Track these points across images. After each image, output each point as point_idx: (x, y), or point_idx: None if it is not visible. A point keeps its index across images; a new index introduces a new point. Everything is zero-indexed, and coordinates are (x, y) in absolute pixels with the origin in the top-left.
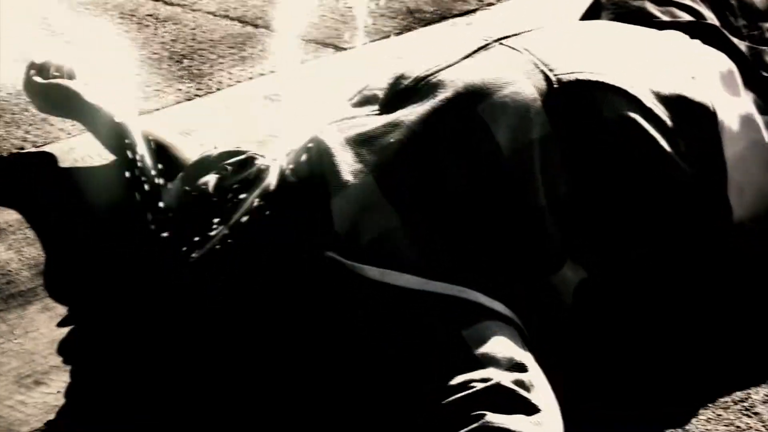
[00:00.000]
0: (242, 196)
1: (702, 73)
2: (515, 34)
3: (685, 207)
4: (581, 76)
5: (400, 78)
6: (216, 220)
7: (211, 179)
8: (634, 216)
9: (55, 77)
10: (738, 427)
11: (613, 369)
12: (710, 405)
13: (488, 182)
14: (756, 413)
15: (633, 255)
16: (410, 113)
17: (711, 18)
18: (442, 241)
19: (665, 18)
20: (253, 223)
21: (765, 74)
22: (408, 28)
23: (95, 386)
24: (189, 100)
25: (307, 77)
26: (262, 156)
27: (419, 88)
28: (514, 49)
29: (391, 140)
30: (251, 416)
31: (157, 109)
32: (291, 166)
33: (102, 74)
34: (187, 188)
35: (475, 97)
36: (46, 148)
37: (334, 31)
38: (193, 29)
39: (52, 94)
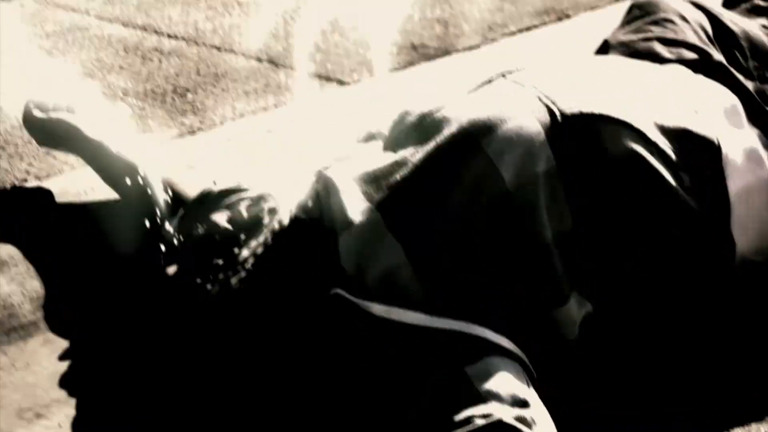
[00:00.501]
0: (256, 233)
1: (705, 107)
2: (519, 69)
3: (689, 241)
4: (585, 110)
5: (404, 114)
6: (230, 257)
7: (222, 216)
8: (638, 250)
9: (55, 112)
10: None
11: (616, 399)
12: None
13: (494, 217)
14: None
15: (638, 289)
16: (415, 151)
17: (719, 58)
18: (448, 277)
19: (672, 57)
20: (266, 260)
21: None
22: (412, 63)
23: (96, 420)
24: (192, 133)
25: (311, 112)
26: (270, 194)
27: (424, 124)
28: (517, 83)
29: (398, 178)
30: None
31: (161, 143)
32: (300, 204)
33: (105, 109)
34: (198, 224)
35: (480, 133)
36: (50, 181)
37: (338, 66)
38: (197, 63)
39: (52, 129)
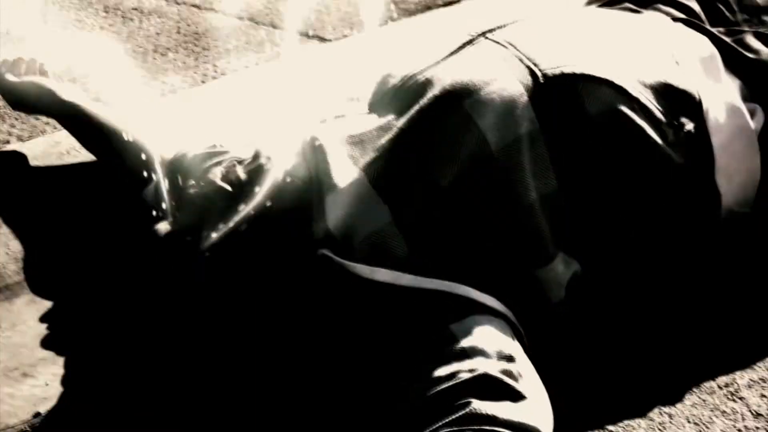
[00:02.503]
0: (248, 193)
1: (685, 58)
2: (500, 27)
3: (675, 195)
4: (566, 70)
5: (387, 77)
6: (222, 216)
7: (215, 174)
8: (624, 207)
9: (28, 74)
10: (723, 411)
11: (600, 354)
12: (695, 389)
13: (478, 178)
14: (741, 397)
15: (624, 245)
16: (399, 115)
17: (699, 13)
18: (433, 237)
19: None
20: (256, 221)
21: (749, 55)
22: (392, 19)
23: (83, 378)
24: (173, 93)
25: (292, 69)
26: (259, 153)
27: (407, 86)
28: (499, 43)
29: (383, 142)
30: (243, 410)
31: (142, 103)
32: (286, 165)
33: (87, 68)
34: (192, 182)
35: (463, 95)
36: (32, 142)
37: (319, 22)
38: (178, 22)
39: (25, 92)
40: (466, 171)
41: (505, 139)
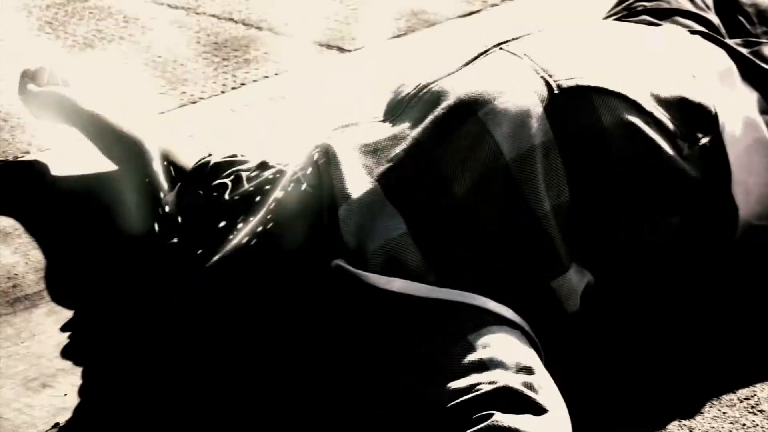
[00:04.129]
0: (258, 203)
1: (702, 71)
2: (515, 38)
3: (690, 208)
4: (581, 82)
5: (401, 86)
6: (230, 228)
7: (223, 186)
8: (638, 220)
9: (50, 84)
10: (743, 424)
11: (619, 367)
12: (715, 402)
13: (492, 188)
14: (761, 410)
15: (640, 258)
16: (414, 125)
17: (718, 26)
18: (448, 248)
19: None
20: (267, 231)
21: (766, 67)
22: (412, 29)
23: (102, 388)
24: (193, 103)
25: (312, 79)
26: (270, 163)
27: (421, 96)
28: (514, 54)
29: (397, 152)
30: (251, 417)
31: (162, 112)
32: (300, 173)
33: (105, 79)
34: (199, 195)
35: (477, 104)
36: (51, 153)
37: (338, 33)
38: (198, 32)
39: (47, 102)
40: (480, 181)
41: (520, 150)
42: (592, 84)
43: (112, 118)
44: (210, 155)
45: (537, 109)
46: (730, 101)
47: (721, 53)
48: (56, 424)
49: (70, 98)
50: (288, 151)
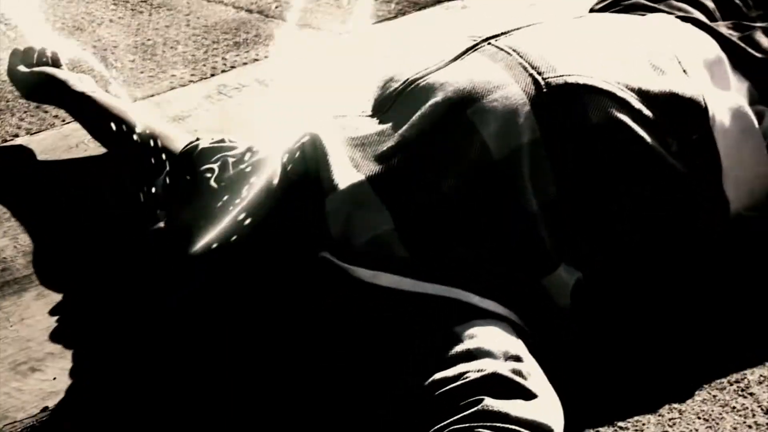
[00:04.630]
0: (243, 190)
1: (691, 63)
2: (504, 33)
3: (681, 204)
4: (570, 79)
5: (389, 81)
6: (217, 214)
7: (209, 171)
8: (627, 217)
9: (39, 64)
10: (733, 407)
11: (609, 351)
12: (705, 385)
13: (480, 186)
14: (751, 393)
15: (631, 255)
16: (401, 121)
17: (712, 10)
18: (435, 243)
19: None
20: (253, 219)
21: (757, 54)
22: (403, 12)
23: (91, 372)
24: (183, 86)
25: (302, 62)
26: (256, 149)
27: (409, 91)
28: (502, 50)
29: (385, 148)
30: (249, 417)
31: (151, 95)
32: (285, 161)
33: (95, 61)
34: (185, 179)
35: (465, 101)
36: (41, 135)
37: (329, 15)
38: (188, 15)
39: (37, 82)
40: (468, 179)
41: (507, 148)
42: (581, 82)
43: (103, 99)
44: (198, 139)
45: (525, 107)
46: (721, 93)
47: (711, 43)
48: (45, 408)
49: (61, 78)
50: (276, 136)
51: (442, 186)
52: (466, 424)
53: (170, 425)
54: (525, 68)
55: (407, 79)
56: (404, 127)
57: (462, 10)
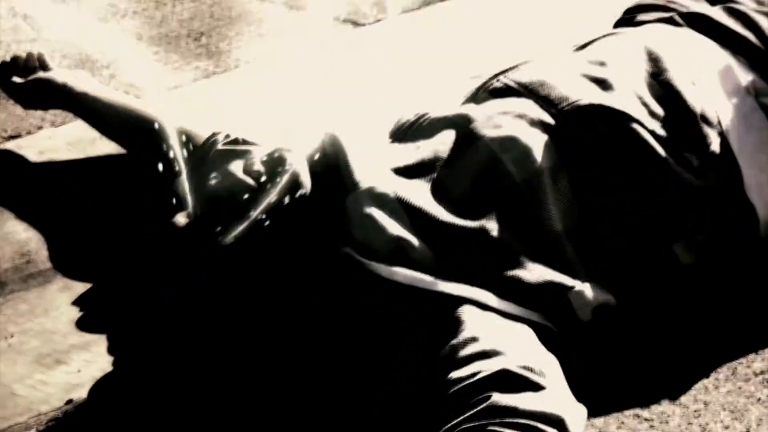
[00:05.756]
0: (270, 186)
1: (698, 74)
2: (511, 68)
3: (708, 219)
4: (581, 103)
5: (402, 116)
6: (243, 209)
7: (237, 167)
8: (653, 235)
9: (30, 71)
10: (759, 398)
11: (634, 342)
12: (731, 377)
13: (503, 207)
14: None
15: (658, 272)
16: (421, 144)
17: (699, 9)
18: (458, 252)
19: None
20: (278, 215)
21: (760, 45)
22: (428, 3)
23: (115, 364)
24: (207, 77)
25: (327, 54)
26: (281, 147)
27: (421, 123)
28: (511, 87)
29: (404, 164)
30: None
31: (175, 87)
32: (308, 159)
33: (119, 54)
34: (213, 174)
35: (484, 131)
36: (65, 127)
37: (353, 6)
38: (211, 6)
39: (35, 91)
40: (491, 200)
41: (526, 173)
42: (595, 102)
43: (107, 96)
44: (215, 136)
45: (542, 136)
46: (732, 100)
47: (713, 46)
48: (70, 401)
49: (59, 82)
50: (298, 130)
51: (464, 205)
52: (477, 422)
53: (172, 417)
54: (537, 102)
55: (418, 113)
56: (421, 150)
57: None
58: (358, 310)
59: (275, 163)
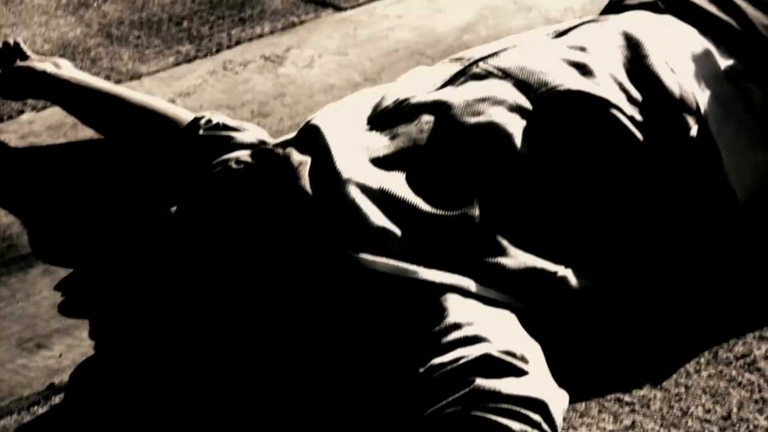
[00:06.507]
0: (250, 173)
1: (677, 61)
2: (492, 54)
3: (687, 203)
4: (561, 89)
5: (381, 101)
6: (239, 198)
7: (232, 159)
8: (633, 219)
9: (7, 60)
10: (740, 382)
11: (615, 326)
12: (712, 360)
13: (483, 192)
14: (758, 369)
15: (638, 259)
16: (396, 135)
17: None
18: (439, 239)
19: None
20: (270, 206)
21: (738, 27)
22: None
23: (97, 349)
24: (188, 61)
25: (307, 38)
26: (262, 135)
27: (400, 109)
28: (492, 72)
29: (383, 153)
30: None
31: (157, 71)
32: (291, 150)
33: (100, 39)
34: (214, 163)
35: (462, 117)
36: (47, 112)
37: None
38: None
39: (15, 81)
40: (472, 185)
41: (507, 159)
42: (573, 88)
43: (89, 83)
44: (197, 120)
45: (521, 122)
46: (711, 84)
47: (693, 32)
48: (51, 385)
49: (38, 69)
50: (279, 119)
51: (444, 190)
52: (459, 407)
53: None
54: (516, 86)
55: (398, 99)
56: (399, 138)
57: None
58: (357, 309)
59: (262, 155)
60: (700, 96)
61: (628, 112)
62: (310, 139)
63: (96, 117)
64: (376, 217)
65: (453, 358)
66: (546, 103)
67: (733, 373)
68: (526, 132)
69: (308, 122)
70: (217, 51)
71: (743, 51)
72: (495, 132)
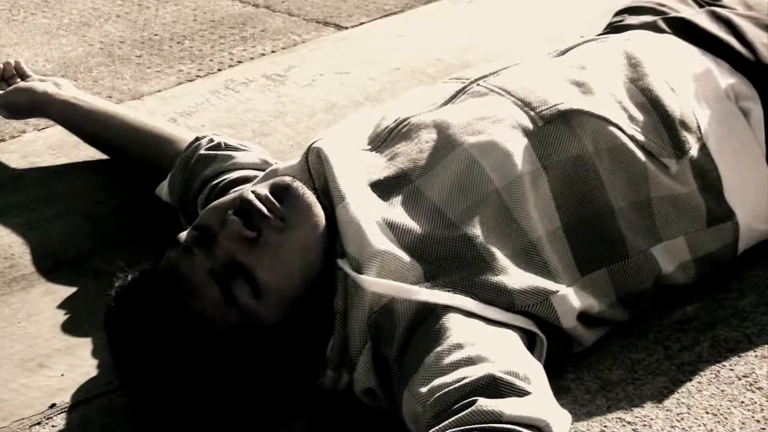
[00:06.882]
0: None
1: (678, 81)
2: (492, 73)
3: (687, 221)
4: (562, 107)
5: (382, 119)
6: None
7: (247, 192)
8: (633, 239)
9: (7, 81)
10: (742, 402)
11: (618, 345)
12: (714, 380)
13: (484, 211)
14: (759, 388)
15: (643, 280)
16: (397, 155)
17: (680, 14)
18: (439, 262)
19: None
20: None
21: (743, 51)
22: (410, 6)
23: (98, 369)
24: (190, 81)
25: (309, 57)
26: (263, 156)
27: (401, 128)
28: (492, 90)
29: (384, 176)
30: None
31: (159, 91)
32: (293, 172)
33: (101, 58)
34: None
35: (462, 137)
36: (48, 131)
37: (335, 9)
38: (194, 10)
39: (17, 101)
40: (472, 205)
41: (508, 178)
42: (574, 107)
43: (90, 103)
44: (197, 140)
45: (522, 140)
46: (711, 104)
47: (694, 52)
48: (53, 405)
49: (39, 90)
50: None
51: (446, 212)
52: (461, 427)
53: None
54: (516, 104)
55: (398, 118)
56: (400, 159)
57: (469, 4)
58: (359, 324)
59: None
60: (701, 115)
61: (628, 131)
62: (316, 160)
63: (97, 137)
64: (377, 240)
65: (455, 379)
66: (548, 122)
67: (735, 392)
68: (529, 150)
69: (311, 145)
70: (219, 70)
71: (744, 70)
72: (494, 150)
